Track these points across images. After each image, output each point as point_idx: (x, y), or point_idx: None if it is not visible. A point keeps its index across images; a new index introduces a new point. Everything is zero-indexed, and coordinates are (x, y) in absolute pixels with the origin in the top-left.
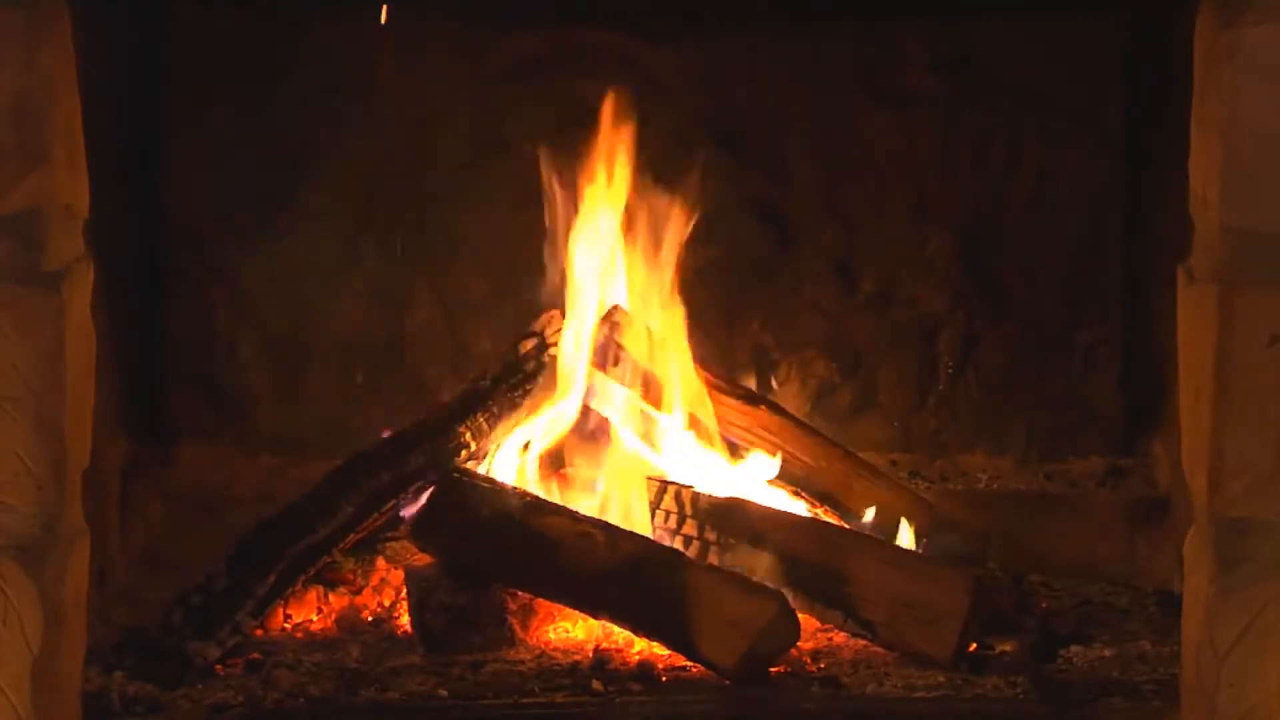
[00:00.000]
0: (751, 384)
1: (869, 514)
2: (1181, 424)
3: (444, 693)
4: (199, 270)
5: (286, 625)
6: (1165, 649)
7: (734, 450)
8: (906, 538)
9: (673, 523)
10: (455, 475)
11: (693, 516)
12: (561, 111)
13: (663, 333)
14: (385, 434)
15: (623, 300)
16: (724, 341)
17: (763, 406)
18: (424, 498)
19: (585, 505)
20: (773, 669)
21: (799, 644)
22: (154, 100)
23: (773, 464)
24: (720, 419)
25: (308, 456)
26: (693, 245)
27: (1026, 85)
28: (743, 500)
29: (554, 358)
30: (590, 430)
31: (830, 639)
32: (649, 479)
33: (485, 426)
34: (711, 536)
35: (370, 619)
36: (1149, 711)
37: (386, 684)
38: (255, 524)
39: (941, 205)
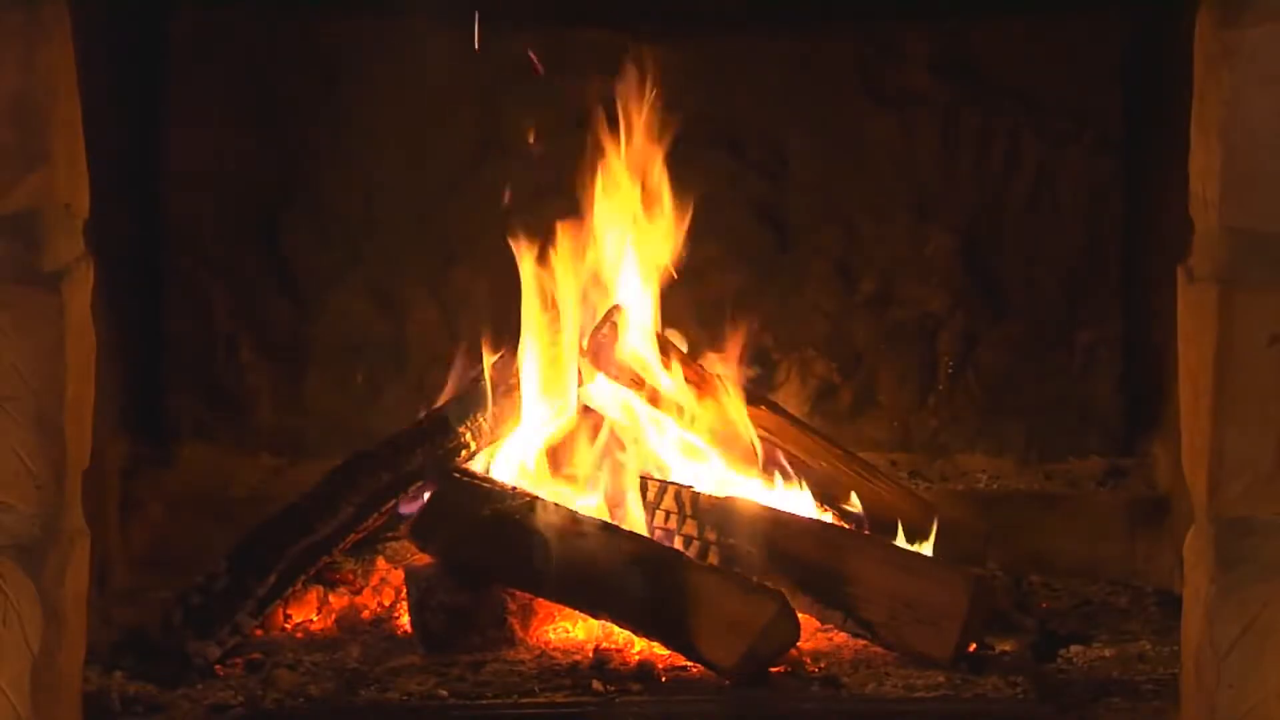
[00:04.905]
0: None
1: (854, 499)
2: (1181, 424)
3: (444, 693)
4: (199, 270)
5: (286, 625)
6: (1165, 649)
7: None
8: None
9: (673, 523)
10: (455, 475)
11: (693, 516)
12: (561, 111)
13: (665, 332)
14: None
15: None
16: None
17: (763, 406)
18: (424, 498)
19: (585, 505)
20: (773, 669)
21: (799, 644)
22: (154, 100)
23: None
24: (721, 419)
25: (308, 456)
26: (693, 245)
27: (1026, 85)
28: (743, 500)
29: (553, 359)
30: (590, 430)
31: (830, 639)
32: (649, 479)
33: (485, 426)
34: (711, 536)
35: (370, 619)
36: (1149, 711)
37: (386, 684)
38: (255, 524)
39: (941, 205)
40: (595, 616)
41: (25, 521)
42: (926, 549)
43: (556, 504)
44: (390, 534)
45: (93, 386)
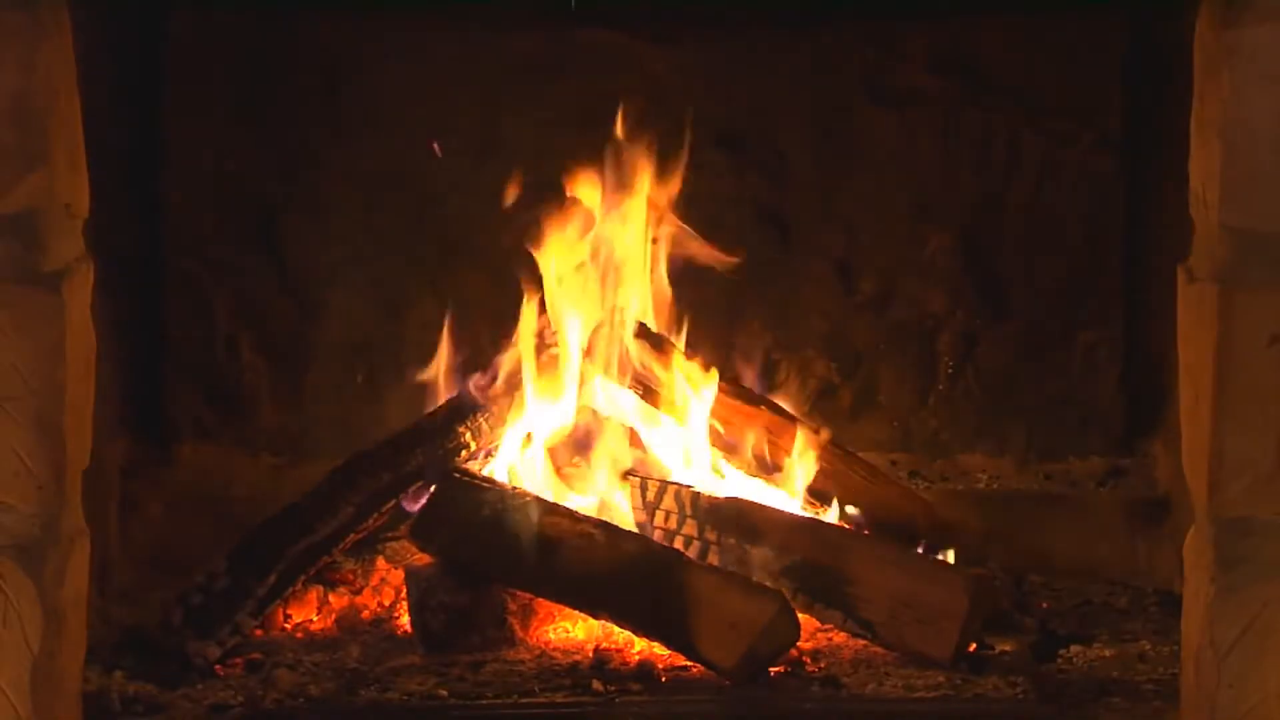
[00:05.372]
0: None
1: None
2: (1181, 424)
3: (444, 693)
4: (199, 270)
5: (286, 625)
6: (1165, 649)
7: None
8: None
9: (673, 523)
10: (455, 475)
11: (693, 516)
12: (561, 111)
13: (664, 332)
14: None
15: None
16: (724, 341)
17: (763, 406)
18: (424, 498)
19: (585, 505)
20: (773, 669)
21: (799, 644)
22: (154, 100)
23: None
24: (720, 419)
25: (308, 456)
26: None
27: (1026, 85)
28: (743, 500)
29: (554, 359)
30: (590, 430)
31: (830, 639)
32: (649, 479)
33: (485, 426)
34: (711, 536)
35: (370, 619)
36: (1149, 711)
37: (386, 684)
38: (255, 524)
39: (941, 205)
40: (595, 616)
41: (25, 521)
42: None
43: (556, 504)
44: (390, 534)
45: (93, 386)
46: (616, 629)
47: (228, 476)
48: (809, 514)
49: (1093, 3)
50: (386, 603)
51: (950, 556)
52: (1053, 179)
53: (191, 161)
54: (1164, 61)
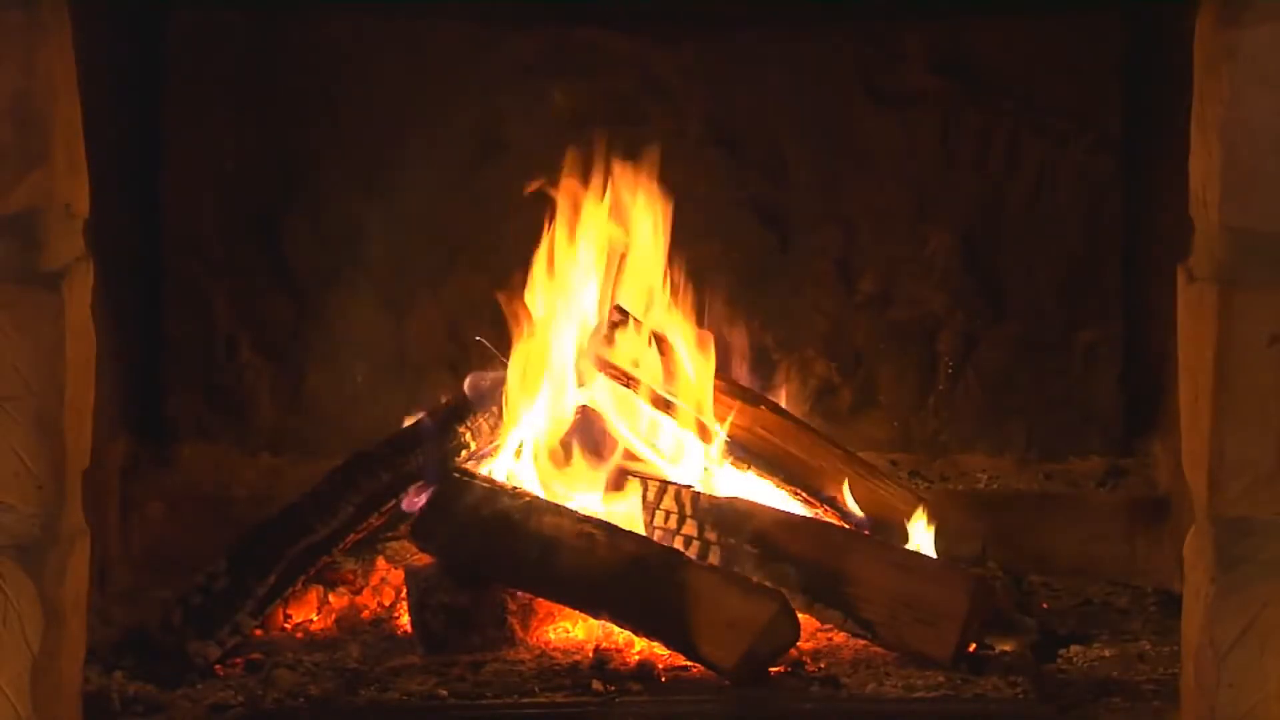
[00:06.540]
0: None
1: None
2: (1181, 424)
3: (444, 693)
4: (199, 270)
5: (286, 625)
6: (1165, 649)
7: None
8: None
9: (673, 523)
10: (455, 475)
11: (693, 516)
12: (561, 112)
13: (666, 332)
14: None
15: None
16: (724, 341)
17: (763, 406)
18: (424, 498)
19: (585, 505)
20: (773, 669)
21: (799, 644)
22: (154, 101)
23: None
24: (720, 418)
25: (308, 456)
26: (693, 245)
27: (1026, 85)
28: (743, 500)
29: (553, 359)
30: (590, 430)
31: (830, 639)
32: (649, 479)
33: (485, 426)
34: (711, 536)
35: (370, 619)
36: (1149, 711)
37: (386, 684)
38: (255, 524)
39: (941, 205)
40: (595, 616)
41: (25, 521)
42: (927, 547)
43: (556, 503)
44: (390, 534)
45: (93, 386)
46: (616, 629)
47: (228, 476)
48: (810, 513)
49: (1093, 3)
50: (386, 603)
51: (946, 554)
52: (1052, 179)
53: (191, 161)
54: (1164, 61)
